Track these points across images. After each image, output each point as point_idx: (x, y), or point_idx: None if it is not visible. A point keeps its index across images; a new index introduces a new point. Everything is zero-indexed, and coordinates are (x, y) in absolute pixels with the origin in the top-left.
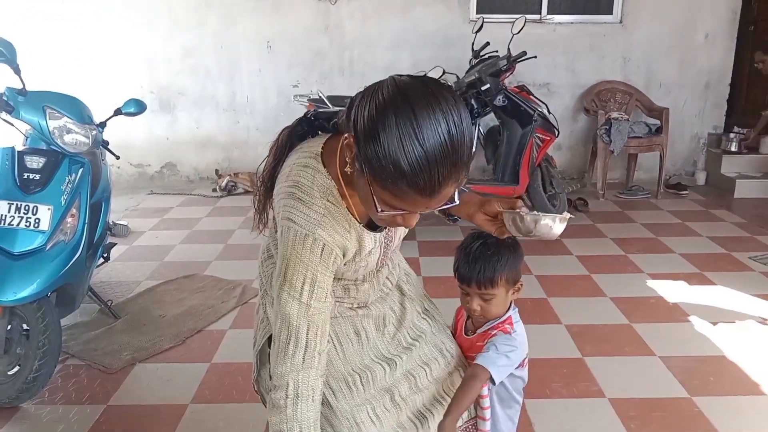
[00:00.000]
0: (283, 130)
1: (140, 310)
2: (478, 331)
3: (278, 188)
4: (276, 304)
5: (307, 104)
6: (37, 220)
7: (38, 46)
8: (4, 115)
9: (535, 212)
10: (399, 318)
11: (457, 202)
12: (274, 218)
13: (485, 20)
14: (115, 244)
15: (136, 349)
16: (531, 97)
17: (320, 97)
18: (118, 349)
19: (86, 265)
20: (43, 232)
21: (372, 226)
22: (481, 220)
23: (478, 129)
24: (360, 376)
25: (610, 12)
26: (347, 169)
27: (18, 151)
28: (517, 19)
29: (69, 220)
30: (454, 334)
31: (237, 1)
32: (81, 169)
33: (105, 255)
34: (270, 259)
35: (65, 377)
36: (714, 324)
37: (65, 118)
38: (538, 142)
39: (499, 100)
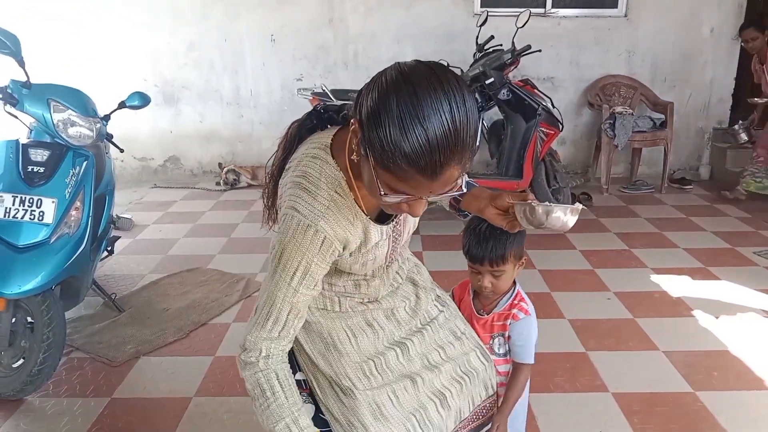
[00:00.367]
0: (293, 123)
1: (144, 304)
2: (495, 311)
3: (286, 178)
4: (267, 280)
5: (311, 98)
6: (41, 213)
7: (38, 46)
8: (8, 107)
9: (547, 203)
10: (413, 307)
11: (464, 190)
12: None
13: (489, 14)
14: (119, 238)
15: (140, 342)
16: (535, 91)
17: (324, 90)
18: (122, 342)
19: (90, 258)
20: (47, 225)
21: (380, 219)
22: (492, 214)
23: (482, 123)
24: (374, 362)
25: (614, 6)
26: (353, 157)
27: (22, 144)
28: (521, 12)
29: (73, 213)
30: None
31: None
32: (85, 162)
33: (109, 248)
34: None
35: (69, 370)
36: (718, 319)
37: (69, 111)
38: (542, 136)
39: (504, 94)
